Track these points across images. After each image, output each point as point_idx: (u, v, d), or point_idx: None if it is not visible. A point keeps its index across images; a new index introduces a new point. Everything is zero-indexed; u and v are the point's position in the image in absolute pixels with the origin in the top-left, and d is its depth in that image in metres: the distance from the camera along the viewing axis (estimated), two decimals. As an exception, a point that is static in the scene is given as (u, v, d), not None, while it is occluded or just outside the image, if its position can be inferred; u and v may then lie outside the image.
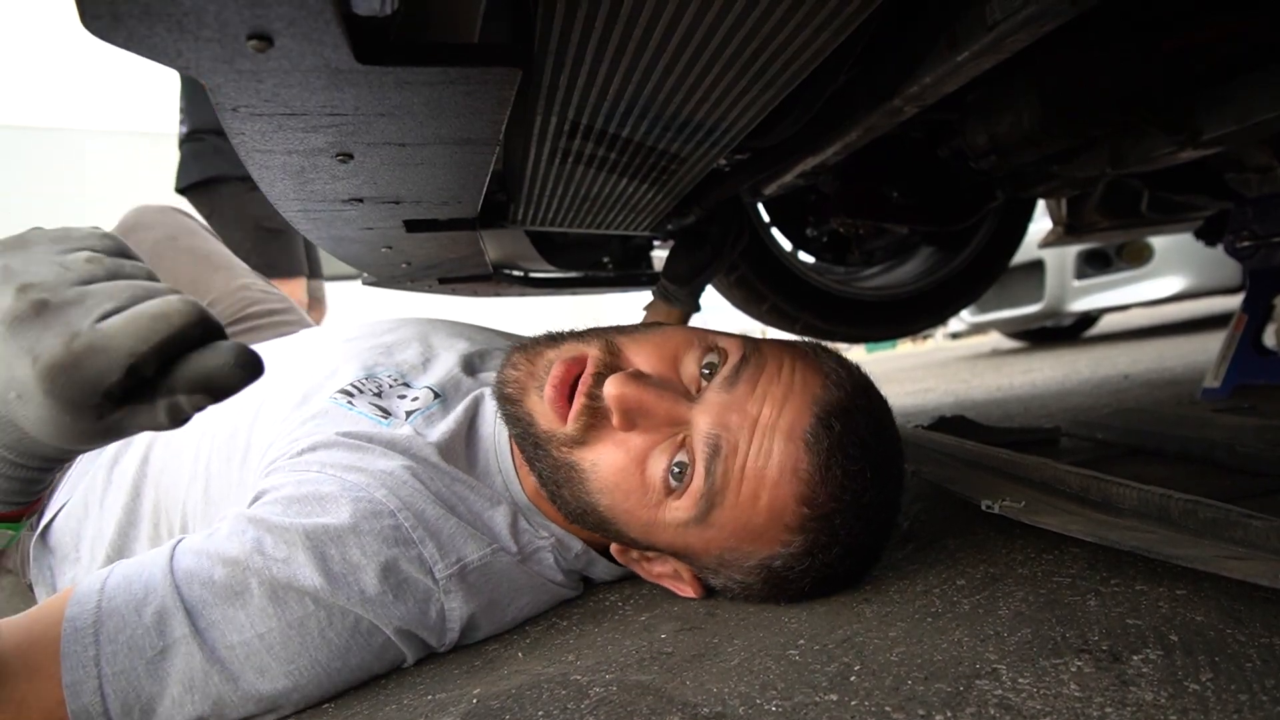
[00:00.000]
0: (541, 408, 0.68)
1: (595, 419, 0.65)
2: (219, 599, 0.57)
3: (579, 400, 0.65)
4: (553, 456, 0.67)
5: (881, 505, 0.64)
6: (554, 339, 0.74)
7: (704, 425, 0.62)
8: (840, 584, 0.68)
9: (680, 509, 0.63)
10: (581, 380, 0.66)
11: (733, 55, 0.56)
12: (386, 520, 0.63)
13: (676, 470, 0.63)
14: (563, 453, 0.66)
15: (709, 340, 0.69)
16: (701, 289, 1.30)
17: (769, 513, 0.61)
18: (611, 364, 0.67)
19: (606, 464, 0.65)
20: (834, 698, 0.48)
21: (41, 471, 0.48)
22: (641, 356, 0.68)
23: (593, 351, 0.68)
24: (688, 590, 0.71)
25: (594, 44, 0.53)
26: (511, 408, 0.70)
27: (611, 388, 0.63)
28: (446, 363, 0.85)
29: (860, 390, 0.66)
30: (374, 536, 0.62)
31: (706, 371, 0.66)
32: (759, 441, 0.61)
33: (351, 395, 0.76)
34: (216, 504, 0.77)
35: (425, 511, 0.65)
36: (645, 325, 0.75)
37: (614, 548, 0.73)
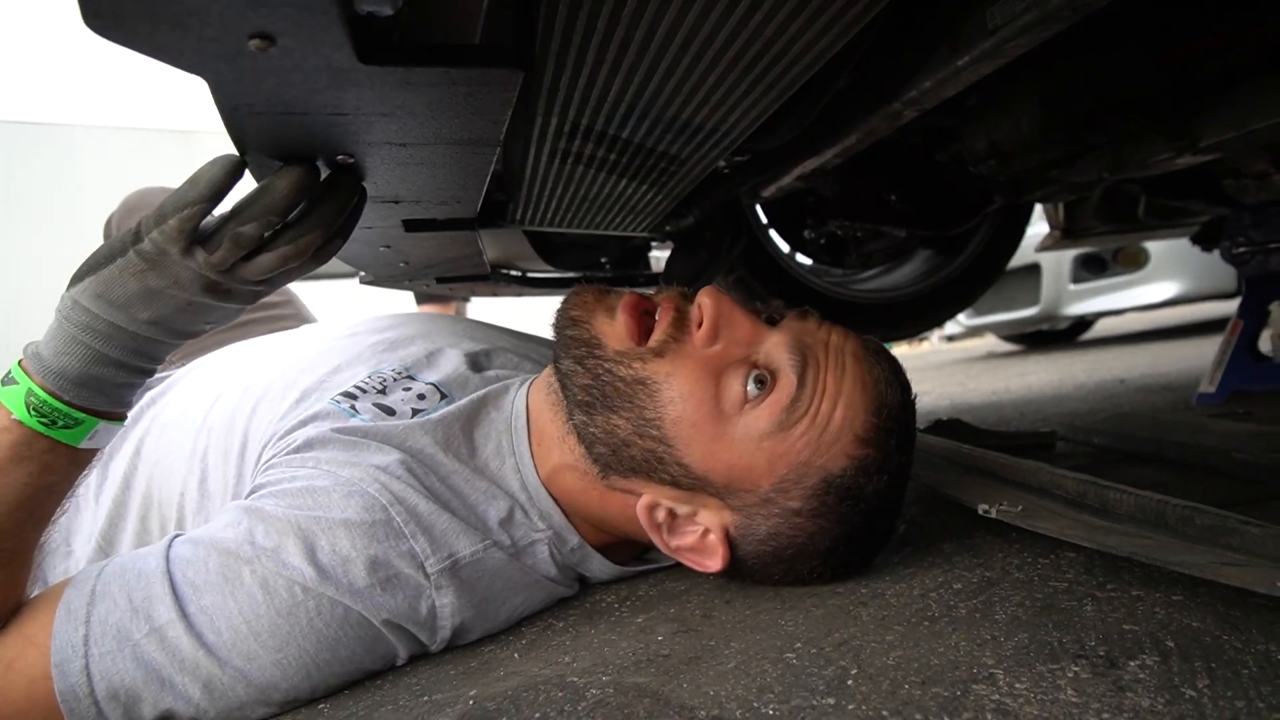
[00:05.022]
0: (611, 328, 0.70)
1: (678, 332, 0.68)
2: (210, 586, 0.58)
3: (667, 312, 0.69)
4: (619, 376, 0.68)
5: (901, 472, 0.69)
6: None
7: (786, 340, 0.67)
8: (857, 555, 0.70)
9: (762, 417, 0.65)
10: (667, 297, 0.71)
11: (734, 58, 0.56)
12: (378, 514, 0.63)
13: (758, 378, 0.66)
14: (634, 369, 0.68)
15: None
16: None
17: (842, 422, 0.65)
18: (691, 296, 0.71)
19: (683, 373, 0.67)
20: (831, 701, 0.48)
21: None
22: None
23: (671, 290, 0.73)
24: (710, 562, 0.69)
25: (596, 46, 0.53)
26: (575, 329, 0.72)
27: (705, 297, 0.67)
28: (452, 360, 0.85)
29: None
30: (364, 530, 0.62)
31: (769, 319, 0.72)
32: (834, 357, 0.67)
33: (355, 398, 0.76)
34: (213, 497, 0.77)
35: (418, 506, 0.65)
36: None
37: (643, 503, 0.69)
